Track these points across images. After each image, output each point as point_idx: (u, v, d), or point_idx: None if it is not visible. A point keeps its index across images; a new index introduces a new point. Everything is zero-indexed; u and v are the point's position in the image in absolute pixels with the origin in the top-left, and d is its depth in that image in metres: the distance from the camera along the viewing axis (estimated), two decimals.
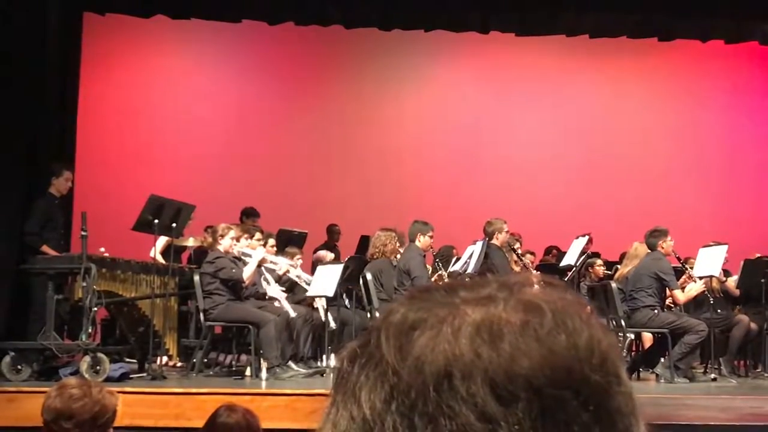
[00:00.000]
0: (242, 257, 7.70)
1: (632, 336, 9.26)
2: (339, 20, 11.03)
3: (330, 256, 9.61)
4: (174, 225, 7.59)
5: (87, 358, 6.70)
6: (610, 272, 9.77)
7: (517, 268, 9.13)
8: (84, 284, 6.89)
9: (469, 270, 8.22)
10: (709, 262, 8.49)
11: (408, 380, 0.61)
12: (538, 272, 9.11)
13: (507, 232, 8.97)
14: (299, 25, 11.14)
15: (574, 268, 8.89)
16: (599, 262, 10.08)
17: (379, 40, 12.14)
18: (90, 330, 6.91)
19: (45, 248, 7.75)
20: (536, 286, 0.66)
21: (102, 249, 7.46)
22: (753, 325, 9.09)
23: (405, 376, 0.61)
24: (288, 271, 8.10)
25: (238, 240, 7.73)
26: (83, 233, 6.95)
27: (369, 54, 12.71)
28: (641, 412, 0.64)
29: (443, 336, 0.62)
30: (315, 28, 11.30)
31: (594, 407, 0.60)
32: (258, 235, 8.19)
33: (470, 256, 8.40)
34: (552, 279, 0.68)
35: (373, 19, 11.04)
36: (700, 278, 8.53)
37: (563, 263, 9.21)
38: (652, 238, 8.47)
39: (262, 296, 7.86)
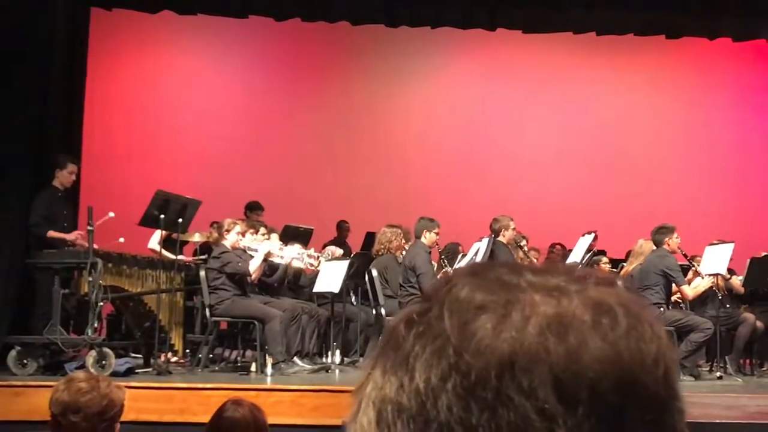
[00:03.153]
0: (248, 251, 7.70)
1: None
2: (345, 16, 11.03)
3: (339, 251, 9.61)
4: (180, 220, 7.60)
5: (93, 353, 6.71)
6: (615, 270, 9.75)
7: None
8: (90, 279, 6.90)
9: None
10: (715, 260, 8.48)
11: (469, 362, 0.58)
12: None
13: (513, 229, 8.96)
14: (306, 21, 11.14)
15: (580, 266, 8.88)
16: (605, 259, 10.06)
17: (385, 37, 12.12)
18: (96, 325, 6.93)
19: (51, 234, 7.54)
20: (607, 284, 0.63)
21: (122, 239, 7.46)
22: (759, 324, 9.07)
23: (467, 357, 0.59)
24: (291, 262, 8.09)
25: (243, 235, 7.74)
26: (90, 228, 6.96)
27: (375, 50, 12.71)
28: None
29: (511, 323, 0.59)
30: (321, 24, 11.30)
31: (652, 420, 0.59)
32: (262, 230, 8.19)
33: (476, 253, 8.40)
34: (615, 278, 0.66)
35: (380, 16, 11.03)
36: (708, 275, 8.52)
37: (569, 260, 9.19)
38: (659, 235, 8.46)
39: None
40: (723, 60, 12.81)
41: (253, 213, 9.87)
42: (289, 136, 12.64)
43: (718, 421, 4.71)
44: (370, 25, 11.24)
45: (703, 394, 6.87)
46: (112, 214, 7.44)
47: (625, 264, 9.22)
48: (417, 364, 0.60)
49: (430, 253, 8.48)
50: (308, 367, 7.50)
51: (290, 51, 12.54)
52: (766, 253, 9.74)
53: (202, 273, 7.58)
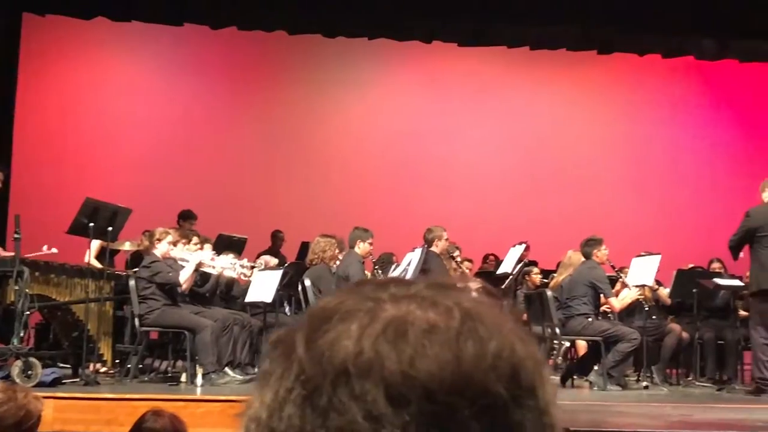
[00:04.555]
0: (179, 261, 7.64)
1: (567, 344, 9.38)
2: (282, 26, 11.04)
3: (273, 261, 9.58)
4: (110, 229, 7.52)
5: (18, 363, 6.59)
6: (546, 280, 9.88)
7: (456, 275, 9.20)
8: (17, 287, 6.78)
9: (408, 276, 8.25)
10: (642, 271, 8.65)
11: (309, 372, 0.60)
12: (478, 279, 9.19)
13: (446, 239, 9.02)
14: (242, 29, 11.13)
15: (511, 276, 8.98)
16: (536, 270, 10.19)
17: (323, 47, 12.15)
18: (22, 334, 6.81)
19: None
20: (470, 290, 0.65)
21: (45, 247, 7.34)
22: (685, 335, 9.27)
23: (307, 368, 0.61)
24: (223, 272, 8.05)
25: (175, 244, 7.68)
26: (16, 236, 6.84)
27: (313, 60, 12.71)
28: (559, 429, 0.62)
29: (350, 331, 0.61)
30: (258, 33, 11.29)
31: (489, 419, 0.58)
32: (195, 239, 8.14)
33: (409, 263, 8.44)
34: (490, 286, 0.67)
35: (316, 26, 11.06)
36: (635, 286, 8.68)
37: (500, 271, 9.31)
38: (587, 246, 8.60)
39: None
40: (653, 76, 13.09)
41: (186, 222, 9.81)
42: (225, 145, 12.58)
43: (642, 429, 4.80)
44: (307, 35, 11.27)
45: (629, 404, 6.99)
46: (54, 251, 7.33)
47: (555, 275, 9.35)
48: (272, 380, 0.62)
49: (363, 263, 8.51)
50: (239, 377, 7.45)
51: (226, 59, 12.49)
52: (692, 265, 9.97)
53: (132, 282, 7.50)
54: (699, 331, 9.38)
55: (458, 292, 0.64)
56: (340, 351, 0.60)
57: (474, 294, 0.65)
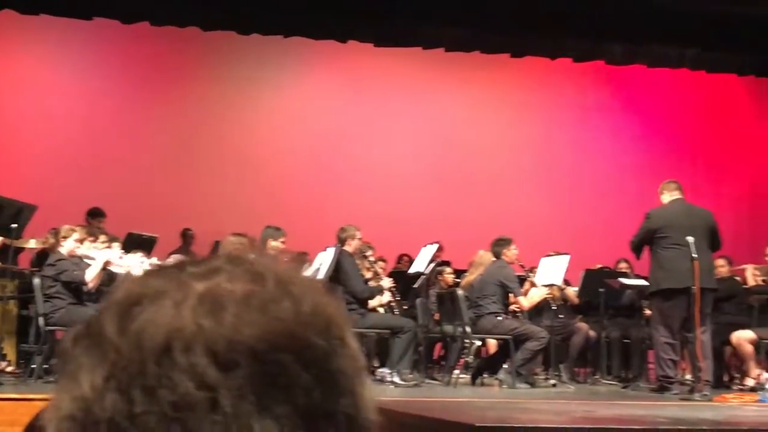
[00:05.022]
0: (86, 259, 7.49)
1: (479, 342, 9.48)
2: (195, 22, 10.91)
3: None
4: (14, 226, 7.33)
5: None
6: (459, 280, 9.97)
7: (368, 275, 9.22)
8: None
9: (320, 276, 8.24)
10: (551, 271, 8.81)
11: (128, 355, 0.61)
12: (390, 279, 9.22)
13: (360, 239, 9.03)
14: (154, 25, 10.97)
15: (423, 276, 9.04)
16: (448, 270, 10.27)
17: (238, 44, 12.05)
18: None
19: None
20: (275, 257, 0.68)
21: None
22: (592, 333, 9.47)
23: (125, 352, 0.61)
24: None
25: (81, 242, 7.52)
26: None
27: (228, 58, 12.59)
28: (365, 373, 0.67)
29: (165, 309, 0.62)
30: (171, 29, 11.14)
31: (316, 369, 0.62)
32: (103, 237, 7.99)
33: (321, 263, 8.43)
34: (292, 252, 0.69)
35: (230, 23, 10.97)
36: (544, 286, 8.83)
37: (412, 270, 9.36)
38: (497, 246, 8.72)
39: None
40: (564, 80, 13.32)
41: (94, 219, 9.62)
42: (136, 142, 12.37)
43: (544, 425, 4.87)
44: (221, 31, 11.16)
45: (537, 401, 7.11)
46: None
47: (467, 274, 9.44)
48: (82, 374, 0.62)
49: None
50: None
51: (138, 55, 12.26)
52: (600, 266, 10.19)
53: (36, 281, 7.32)
54: (605, 330, 9.60)
55: (262, 260, 0.67)
56: (159, 329, 0.61)
57: (278, 258, 0.68)
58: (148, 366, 0.61)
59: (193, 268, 0.66)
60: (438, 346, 10.27)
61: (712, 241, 7.81)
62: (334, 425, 0.63)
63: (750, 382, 8.89)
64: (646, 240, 7.84)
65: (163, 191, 12.09)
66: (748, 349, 9.00)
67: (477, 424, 4.42)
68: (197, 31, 11.17)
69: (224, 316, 0.62)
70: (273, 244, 8.21)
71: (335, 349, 0.64)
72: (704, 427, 4.82)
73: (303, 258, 9.74)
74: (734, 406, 6.94)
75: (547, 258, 8.98)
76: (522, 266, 9.08)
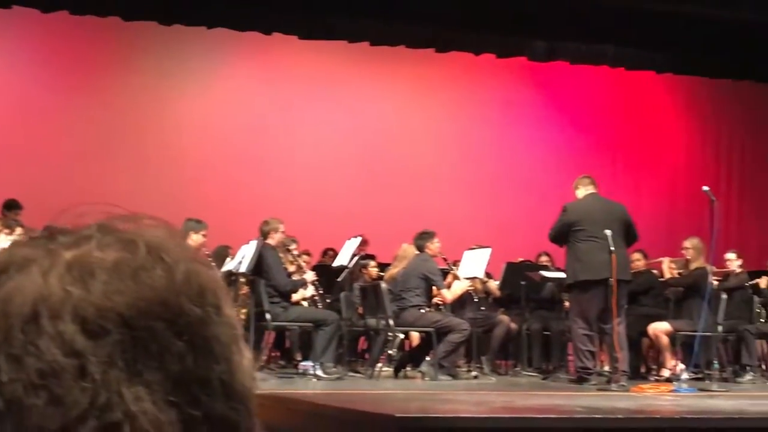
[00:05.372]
0: None
1: (402, 335, 9.52)
2: (116, 12, 10.74)
3: None
4: None
5: None
6: (383, 273, 10.00)
7: (292, 268, 9.20)
8: None
9: (242, 269, 8.20)
10: (473, 264, 8.89)
11: None
12: (314, 272, 9.22)
13: (283, 232, 8.99)
14: (74, 14, 10.76)
15: (346, 269, 9.04)
16: (372, 263, 10.29)
17: (160, 35, 11.89)
18: None
19: None
20: (146, 224, 0.67)
21: None
22: (513, 326, 9.58)
23: None
24: None
25: None
26: None
27: (150, 49, 12.40)
28: (243, 341, 0.66)
29: (32, 276, 0.61)
30: (91, 19, 10.94)
31: (189, 336, 0.62)
32: (19, 230, 7.82)
33: (244, 256, 8.38)
34: (157, 218, 0.68)
35: (153, 13, 10.82)
36: (466, 278, 8.91)
37: (336, 264, 9.36)
38: (420, 239, 8.76)
39: None
40: (488, 75, 13.44)
41: (10, 212, 9.42)
42: (55, 133, 12.10)
43: (464, 415, 4.93)
44: (143, 21, 11.00)
45: (458, 392, 7.18)
46: None
47: (390, 267, 9.47)
48: None
49: None
50: None
51: (58, 45, 11.99)
52: (521, 259, 10.32)
53: None
54: (527, 322, 9.74)
55: (134, 228, 0.66)
56: (26, 297, 0.60)
57: (150, 226, 0.67)
58: (14, 334, 0.59)
59: (63, 237, 0.65)
60: (362, 339, 10.29)
61: (627, 234, 7.98)
62: (208, 391, 0.62)
63: (666, 373, 9.11)
64: (564, 232, 7.96)
65: (82, 183, 11.84)
66: (665, 340, 9.22)
67: (397, 415, 4.45)
68: (118, 20, 10.99)
69: (94, 283, 0.61)
70: (194, 236, 8.13)
71: (210, 317, 0.64)
72: (619, 416, 4.93)
73: (225, 251, 9.68)
74: (650, 396, 7.10)
75: (469, 251, 9.06)
76: (445, 259, 9.15)
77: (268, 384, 7.42)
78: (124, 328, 0.60)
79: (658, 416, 5.19)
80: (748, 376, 9.12)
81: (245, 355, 0.66)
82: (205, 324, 0.63)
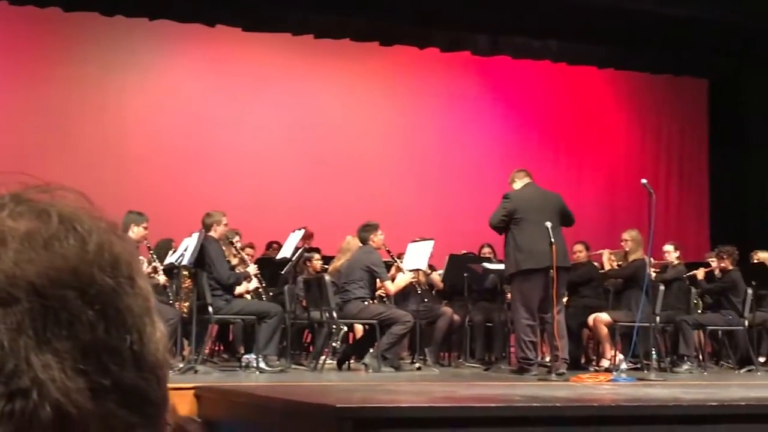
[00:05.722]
0: None
1: (346, 328, 9.54)
2: (57, 2, 10.60)
3: None
4: None
5: None
6: (327, 266, 10.01)
7: (234, 261, 9.16)
8: None
9: (185, 262, 8.15)
10: (417, 256, 8.94)
11: None
12: (257, 265, 9.19)
13: (226, 224, 8.94)
14: (13, 4, 10.60)
15: (290, 262, 9.03)
16: (317, 256, 10.30)
17: (102, 26, 11.74)
18: None
19: None
20: (62, 195, 0.68)
21: None
22: (456, 317, 9.66)
23: None
24: None
25: None
26: None
27: (92, 40, 12.22)
28: (156, 312, 0.68)
29: None
30: (31, 9, 10.78)
31: (100, 306, 0.63)
32: None
33: (186, 248, 8.32)
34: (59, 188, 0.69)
35: (94, 4, 10.69)
36: (410, 271, 8.95)
37: (279, 256, 9.35)
38: (364, 232, 8.78)
39: None
40: (432, 69, 13.50)
41: None
42: None
43: (405, 405, 4.96)
44: (84, 12, 10.86)
45: (400, 383, 7.22)
46: None
47: (334, 260, 9.48)
48: None
49: (138, 247, 8.31)
50: None
51: None
52: (464, 251, 10.40)
53: None
54: (469, 314, 9.82)
55: (47, 199, 0.67)
56: None
57: (66, 197, 0.68)
58: None
59: None
60: (307, 332, 10.29)
61: (564, 219, 8.13)
62: (117, 361, 0.63)
63: (605, 363, 9.26)
64: (506, 221, 8.04)
65: (22, 174, 11.66)
66: (604, 331, 9.37)
67: (338, 405, 4.46)
68: (59, 11, 10.84)
69: (5, 252, 0.62)
70: (136, 229, 8.06)
71: (122, 287, 0.65)
72: (557, 404, 5.01)
73: (169, 244, 9.60)
74: (589, 385, 7.20)
75: (413, 243, 9.10)
76: (389, 251, 9.19)
77: (210, 377, 7.41)
78: (35, 296, 0.61)
79: (595, 404, 5.26)
80: (685, 366, 9.30)
81: (158, 327, 0.67)
82: (117, 294, 0.64)
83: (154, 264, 8.45)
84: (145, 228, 8.12)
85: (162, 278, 8.42)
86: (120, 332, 0.64)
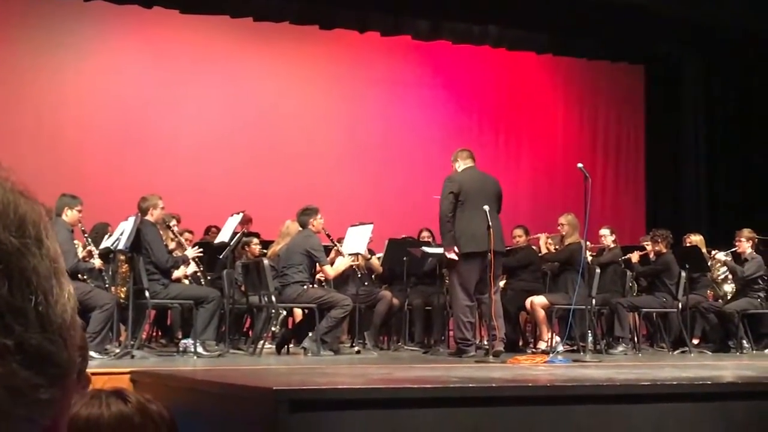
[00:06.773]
0: None
1: (285, 312, 9.52)
2: None
3: None
4: None
5: None
6: (266, 251, 9.96)
7: (172, 245, 9.07)
8: None
9: (120, 246, 8.04)
10: (356, 240, 8.94)
11: None
12: (195, 248, 9.10)
13: (162, 208, 8.83)
14: None
15: (229, 246, 8.97)
16: (255, 240, 10.24)
17: (36, 6, 11.51)
18: None
19: None
20: None
21: None
22: (396, 301, 9.68)
23: None
24: None
25: None
26: None
27: (25, 22, 11.99)
28: (64, 275, 0.67)
29: None
30: None
31: (4, 266, 0.63)
32: None
33: (122, 232, 8.22)
34: None
35: None
36: (349, 254, 8.95)
37: (217, 241, 9.27)
38: (304, 216, 8.75)
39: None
40: (373, 54, 13.48)
41: None
42: None
43: (342, 387, 4.96)
44: None
45: (339, 366, 7.23)
46: None
47: (273, 244, 9.44)
48: None
49: (72, 231, 8.17)
50: None
51: None
52: (404, 236, 10.43)
53: None
54: (408, 297, 9.85)
55: None
56: None
57: None
58: None
59: None
60: (246, 317, 10.24)
61: (499, 204, 8.24)
62: (22, 321, 0.63)
63: (542, 345, 9.38)
64: (453, 203, 8.10)
65: None
66: (541, 314, 9.48)
67: (275, 388, 4.45)
68: None
69: None
70: (69, 212, 7.93)
71: (29, 248, 0.64)
72: (493, 384, 5.06)
73: (105, 228, 9.46)
74: (525, 366, 7.29)
75: (353, 227, 9.10)
76: (329, 236, 9.17)
77: (148, 362, 7.33)
78: None
79: (530, 384, 5.32)
80: (620, 348, 9.45)
81: (65, 289, 0.67)
82: (23, 255, 0.64)
83: (89, 248, 8.32)
84: (80, 211, 7.98)
85: (98, 262, 8.29)
86: (25, 293, 0.64)
